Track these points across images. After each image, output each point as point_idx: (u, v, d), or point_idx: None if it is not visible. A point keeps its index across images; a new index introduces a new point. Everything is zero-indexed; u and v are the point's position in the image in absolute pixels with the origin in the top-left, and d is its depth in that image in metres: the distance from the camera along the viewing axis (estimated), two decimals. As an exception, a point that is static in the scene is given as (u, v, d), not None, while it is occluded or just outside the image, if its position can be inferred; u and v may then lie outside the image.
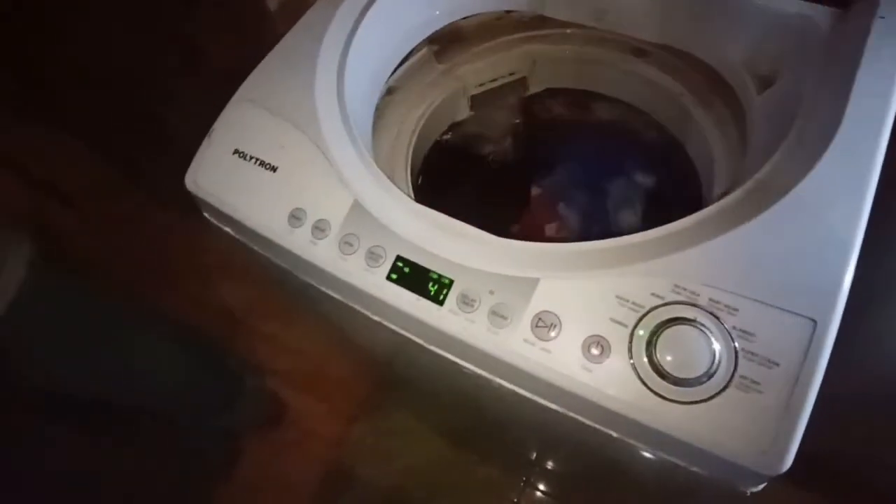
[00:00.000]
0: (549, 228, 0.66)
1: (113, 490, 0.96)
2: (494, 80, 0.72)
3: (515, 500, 1.20)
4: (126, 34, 0.81)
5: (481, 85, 0.72)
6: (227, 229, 0.56)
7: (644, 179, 0.65)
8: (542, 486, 1.20)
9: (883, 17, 0.48)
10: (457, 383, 0.57)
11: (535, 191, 0.65)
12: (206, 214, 0.57)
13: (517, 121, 0.74)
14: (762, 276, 0.38)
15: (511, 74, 0.73)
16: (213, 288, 1.55)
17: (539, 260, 0.42)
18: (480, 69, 0.71)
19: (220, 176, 0.53)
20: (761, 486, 0.39)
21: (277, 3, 0.76)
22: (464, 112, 0.73)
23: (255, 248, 0.55)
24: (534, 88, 0.74)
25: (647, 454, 0.42)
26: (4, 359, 0.71)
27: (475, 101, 0.73)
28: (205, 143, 0.54)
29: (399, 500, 1.22)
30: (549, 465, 1.05)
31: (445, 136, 0.72)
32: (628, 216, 0.63)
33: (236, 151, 0.53)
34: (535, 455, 1.04)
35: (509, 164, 0.71)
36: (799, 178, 0.40)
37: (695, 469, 0.40)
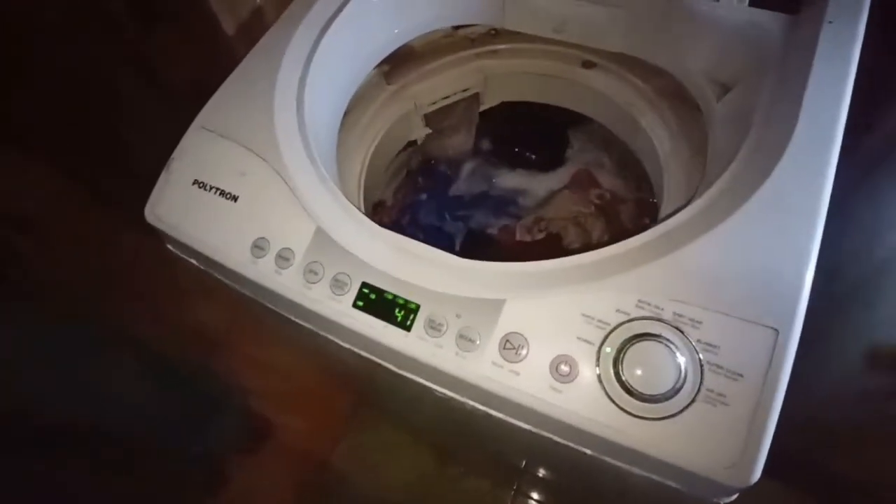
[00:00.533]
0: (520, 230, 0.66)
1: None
2: (447, 97, 0.72)
3: (508, 508, 1.20)
4: (84, 54, 0.80)
5: (434, 103, 0.71)
6: (192, 260, 0.55)
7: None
8: (534, 495, 1.20)
9: (831, 22, 0.49)
10: (432, 404, 0.57)
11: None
12: (168, 246, 0.56)
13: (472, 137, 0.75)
14: (723, 287, 0.38)
15: (464, 91, 0.73)
16: (188, 309, 1.53)
17: (504, 280, 0.42)
18: (432, 87, 0.71)
19: (181, 207, 0.52)
20: (733, 497, 0.39)
21: (235, 25, 0.75)
22: (418, 131, 0.73)
23: (221, 277, 0.54)
24: (489, 103, 0.74)
25: (622, 468, 0.42)
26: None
27: (429, 119, 0.73)
28: (163, 174, 0.53)
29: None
30: (540, 473, 1.05)
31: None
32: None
33: (196, 182, 0.52)
34: (524, 464, 1.04)
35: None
36: (755, 187, 0.41)
37: (669, 483, 0.40)
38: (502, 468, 1.13)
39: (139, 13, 0.79)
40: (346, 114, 0.61)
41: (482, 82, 0.70)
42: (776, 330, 0.37)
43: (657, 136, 0.60)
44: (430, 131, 0.72)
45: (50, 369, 0.81)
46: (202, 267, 0.55)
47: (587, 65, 0.67)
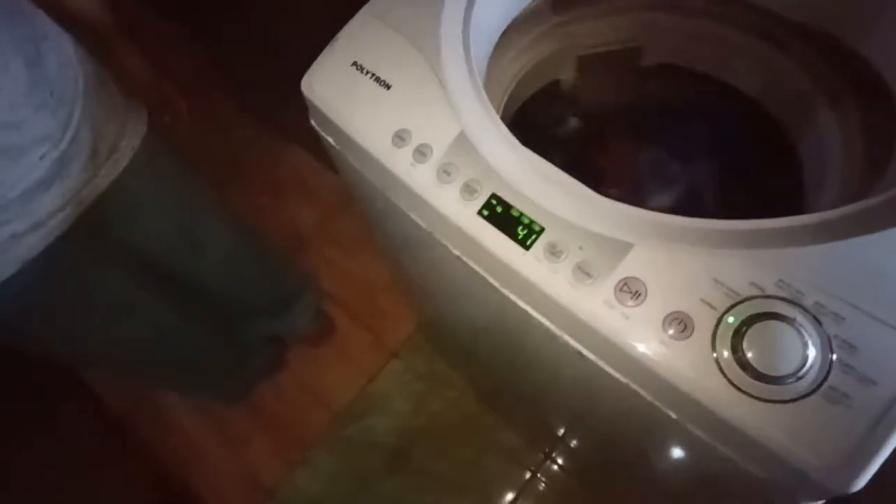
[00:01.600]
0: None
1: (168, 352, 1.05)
2: (607, 43, 0.68)
3: (532, 468, 1.22)
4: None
5: (592, 47, 0.68)
6: (330, 139, 0.58)
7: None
8: (560, 461, 1.21)
9: None
10: (511, 336, 0.57)
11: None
12: (312, 121, 0.59)
13: (621, 91, 0.71)
14: (882, 290, 0.35)
15: (625, 42, 0.69)
16: (285, 204, 1.62)
17: (638, 225, 0.41)
18: (595, 29, 0.67)
19: (336, 85, 0.54)
20: (820, 503, 0.38)
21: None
22: (568, 72, 0.70)
23: (353, 161, 0.56)
24: (647, 61, 0.70)
25: (700, 443, 0.41)
26: (111, 219, 0.78)
27: (582, 63, 0.70)
28: (326, 50, 0.55)
29: (419, 442, 1.27)
30: (574, 443, 1.05)
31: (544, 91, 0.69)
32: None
33: (355, 63, 0.53)
34: (562, 431, 1.04)
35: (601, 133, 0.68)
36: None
37: (752, 470, 0.39)
38: (539, 429, 1.14)
39: None
40: (504, 32, 0.61)
41: (649, 36, 0.67)
42: (930, 348, 0.34)
43: (831, 133, 0.55)
44: (578, 76, 0.70)
45: (173, 218, 0.89)
46: (337, 147, 0.58)
47: (766, 36, 0.61)
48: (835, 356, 0.35)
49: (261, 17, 1.20)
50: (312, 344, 1.39)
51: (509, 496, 1.20)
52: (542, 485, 1.21)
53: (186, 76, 1.59)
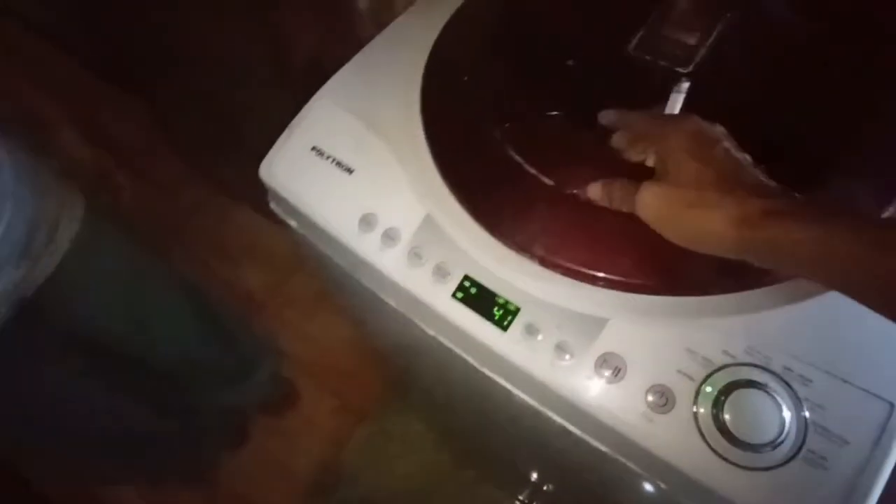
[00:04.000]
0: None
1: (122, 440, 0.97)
2: None
3: (515, 523, 1.19)
4: (213, 20, 0.83)
5: None
6: (292, 223, 0.57)
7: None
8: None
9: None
10: (491, 406, 0.57)
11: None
12: (272, 204, 0.58)
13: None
14: (842, 350, 0.38)
15: None
16: (237, 266, 1.57)
17: (611, 301, 0.42)
18: None
19: (296, 170, 0.53)
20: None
21: (367, 2, 0.77)
22: None
23: (318, 245, 0.55)
24: None
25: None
26: (51, 309, 0.73)
27: None
28: (284, 134, 0.55)
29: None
30: (548, 487, 1.04)
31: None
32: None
33: (314, 148, 0.53)
34: (535, 476, 1.03)
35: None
36: None
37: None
38: (518, 482, 1.13)
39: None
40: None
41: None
42: (892, 404, 0.36)
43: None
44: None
45: (119, 299, 0.84)
46: (301, 231, 0.57)
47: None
48: (808, 419, 0.37)
49: (207, 76, 1.19)
50: (275, 414, 1.33)
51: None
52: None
53: (130, 138, 1.54)
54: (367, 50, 0.59)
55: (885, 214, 0.41)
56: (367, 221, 0.49)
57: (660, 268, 0.41)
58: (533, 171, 0.47)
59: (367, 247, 0.49)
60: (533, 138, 0.49)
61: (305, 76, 0.60)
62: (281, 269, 1.53)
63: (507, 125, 0.50)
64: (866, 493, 0.35)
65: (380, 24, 0.63)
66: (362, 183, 0.51)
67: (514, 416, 0.53)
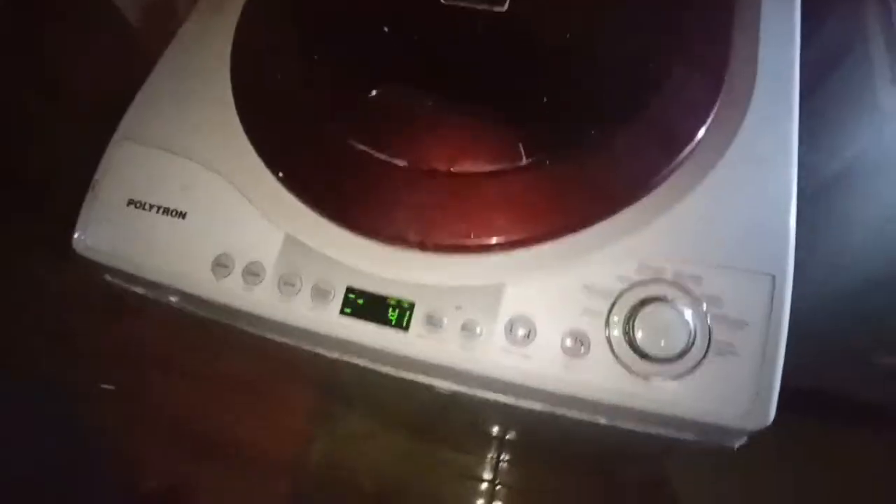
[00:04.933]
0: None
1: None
2: None
3: (489, 477, 1.21)
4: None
5: None
6: (137, 289, 0.49)
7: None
8: (508, 458, 1.22)
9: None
10: (425, 401, 0.55)
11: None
12: (107, 277, 0.49)
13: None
14: (720, 241, 0.39)
15: None
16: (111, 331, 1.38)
17: (501, 265, 0.40)
18: None
19: (117, 232, 0.45)
20: (746, 439, 0.41)
21: (140, 13, 0.66)
22: None
23: (175, 305, 0.48)
24: None
25: (637, 432, 0.42)
26: None
27: None
28: (88, 198, 0.46)
29: (375, 499, 1.19)
30: (512, 436, 1.07)
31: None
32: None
33: (131, 202, 0.45)
34: (500, 433, 1.05)
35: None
36: (729, 143, 0.41)
37: (685, 436, 0.41)
38: (480, 440, 1.14)
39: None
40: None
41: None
42: (772, 275, 0.38)
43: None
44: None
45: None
46: (149, 296, 0.49)
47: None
48: (709, 314, 0.38)
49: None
50: (216, 471, 1.22)
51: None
52: (502, 486, 1.21)
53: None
54: (158, 69, 0.51)
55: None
56: (221, 264, 0.43)
57: (534, 217, 0.40)
58: (382, 156, 0.43)
59: (230, 291, 0.43)
60: (372, 121, 0.45)
61: (94, 117, 0.50)
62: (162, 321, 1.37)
63: (339, 114, 0.45)
64: (774, 362, 0.37)
65: (166, 35, 0.54)
66: (201, 224, 0.44)
67: (451, 404, 0.51)
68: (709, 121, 0.42)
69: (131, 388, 1.25)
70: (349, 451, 1.24)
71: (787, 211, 0.39)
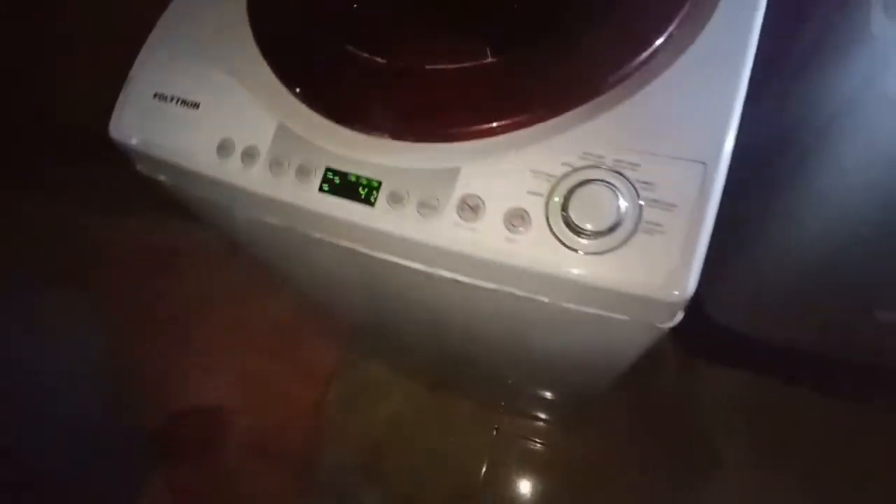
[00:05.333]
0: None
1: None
2: None
3: (496, 425, 1.26)
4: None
5: None
6: (161, 177, 0.57)
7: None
8: (521, 408, 1.26)
9: None
10: (400, 294, 0.60)
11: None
12: (138, 166, 0.58)
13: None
14: (658, 132, 0.42)
15: None
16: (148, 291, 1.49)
17: (459, 152, 0.45)
18: None
19: (145, 121, 0.53)
20: (677, 319, 0.44)
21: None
22: None
23: (191, 190, 0.56)
24: None
25: (574, 311, 0.46)
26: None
27: None
28: (124, 91, 0.54)
29: (385, 451, 1.27)
30: (511, 379, 1.09)
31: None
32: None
33: (156, 95, 0.53)
34: (510, 380, 1.09)
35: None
36: (692, 40, 0.44)
37: (619, 316, 0.44)
38: (490, 386, 1.18)
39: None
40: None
41: None
42: (704, 163, 0.40)
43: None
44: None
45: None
46: (170, 183, 0.57)
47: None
48: (641, 196, 0.41)
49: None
50: (249, 408, 1.33)
51: (486, 460, 1.24)
52: (511, 437, 1.25)
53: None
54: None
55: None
56: (224, 147, 0.50)
57: (492, 110, 0.44)
58: (363, 54, 0.49)
59: (230, 170, 0.50)
60: (357, 23, 0.50)
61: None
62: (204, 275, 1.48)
63: (330, 19, 0.51)
64: (696, 240, 0.39)
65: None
66: (211, 113, 0.51)
67: (420, 293, 0.56)
68: (672, 24, 0.45)
69: (176, 329, 1.38)
70: (364, 399, 1.32)
71: (730, 106, 0.42)
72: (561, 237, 0.42)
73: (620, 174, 0.41)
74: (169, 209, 0.66)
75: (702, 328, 0.93)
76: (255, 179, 0.49)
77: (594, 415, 1.19)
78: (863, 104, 0.59)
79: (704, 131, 0.41)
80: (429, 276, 0.49)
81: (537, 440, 1.24)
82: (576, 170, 0.42)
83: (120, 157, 0.58)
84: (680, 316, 0.43)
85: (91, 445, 1.05)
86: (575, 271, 0.41)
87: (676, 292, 0.39)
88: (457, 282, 0.48)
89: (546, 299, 0.45)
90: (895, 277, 0.70)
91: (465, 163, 0.45)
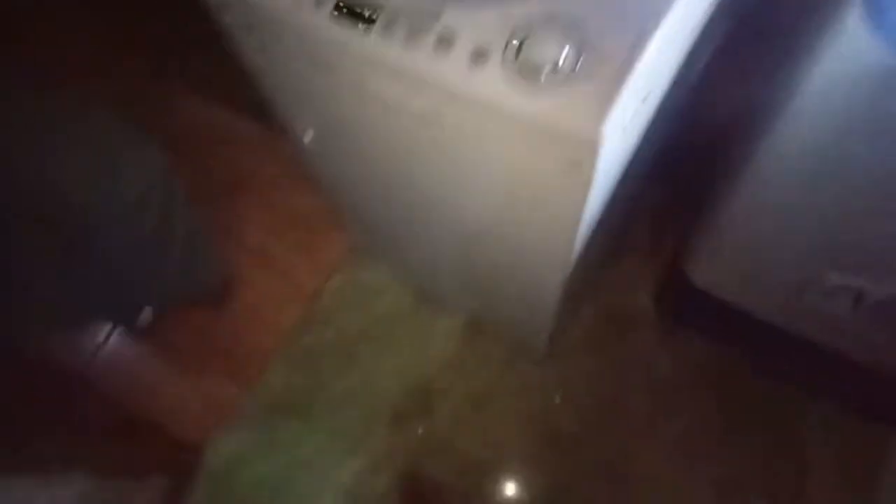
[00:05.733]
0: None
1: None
2: None
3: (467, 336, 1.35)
4: None
5: None
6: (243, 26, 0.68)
7: None
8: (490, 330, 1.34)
9: None
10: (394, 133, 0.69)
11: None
12: (226, 19, 0.69)
13: None
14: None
15: None
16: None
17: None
18: None
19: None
20: (598, 166, 0.51)
21: None
22: None
23: (267, 39, 0.68)
24: None
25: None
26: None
27: None
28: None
29: (366, 342, 1.38)
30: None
31: None
32: None
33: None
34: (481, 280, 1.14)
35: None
36: None
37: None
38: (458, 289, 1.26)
39: None
40: None
41: None
42: (643, 26, 0.47)
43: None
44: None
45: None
46: (246, 31, 0.69)
47: None
48: (584, 44, 0.48)
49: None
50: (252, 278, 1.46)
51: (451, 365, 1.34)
52: (480, 354, 1.34)
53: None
54: None
55: None
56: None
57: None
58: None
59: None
60: None
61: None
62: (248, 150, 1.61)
63: None
64: (621, 88, 0.47)
65: None
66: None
67: (411, 129, 0.66)
68: None
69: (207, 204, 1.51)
70: (360, 296, 1.43)
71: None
72: (510, 74, 0.50)
73: (571, 27, 0.49)
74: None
75: (683, 293, 1.00)
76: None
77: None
78: (830, 80, 0.63)
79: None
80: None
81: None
82: (536, 20, 0.50)
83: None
84: (597, 162, 0.51)
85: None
86: (516, 99, 0.49)
87: (592, 133, 0.47)
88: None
89: (491, 127, 0.55)
90: (846, 242, 0.74)
91: (449, 6, 0.54)
